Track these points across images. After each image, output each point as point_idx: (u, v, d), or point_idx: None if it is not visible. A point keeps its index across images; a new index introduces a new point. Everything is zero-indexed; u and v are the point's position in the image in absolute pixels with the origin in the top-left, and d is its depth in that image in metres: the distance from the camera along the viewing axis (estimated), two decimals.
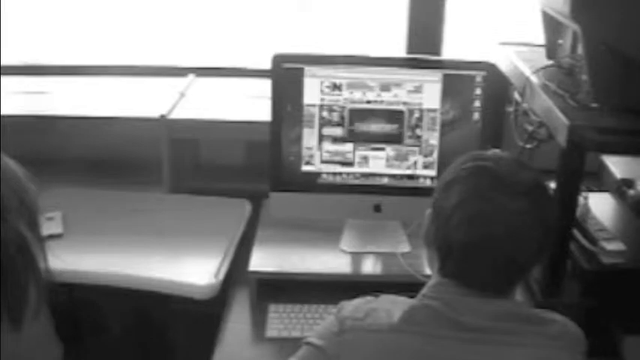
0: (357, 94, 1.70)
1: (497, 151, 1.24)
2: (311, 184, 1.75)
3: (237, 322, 1.61)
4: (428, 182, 1.74)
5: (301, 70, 1.68)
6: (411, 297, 1.18)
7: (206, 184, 2.08)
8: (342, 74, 1.69)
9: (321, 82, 1.69)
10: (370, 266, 1.74)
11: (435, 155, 1.73)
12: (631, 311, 1.53)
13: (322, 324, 1.23)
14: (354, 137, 1.72)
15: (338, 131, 1.72)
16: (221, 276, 1.69)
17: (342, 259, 1.74)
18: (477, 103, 1.70)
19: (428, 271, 1.27)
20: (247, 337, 1.57)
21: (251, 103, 2.08)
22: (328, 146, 1.73)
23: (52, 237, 1.76)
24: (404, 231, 1.81)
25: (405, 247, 1.77)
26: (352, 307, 1.18)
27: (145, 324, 1.94)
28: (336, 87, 1.69)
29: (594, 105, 1.45)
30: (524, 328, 1.13)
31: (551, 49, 1.73)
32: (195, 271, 1.69)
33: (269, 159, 1.73)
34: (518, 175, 1.14)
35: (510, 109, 1.79)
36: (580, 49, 1.50)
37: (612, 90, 1.44)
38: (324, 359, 1.15)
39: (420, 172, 1.74)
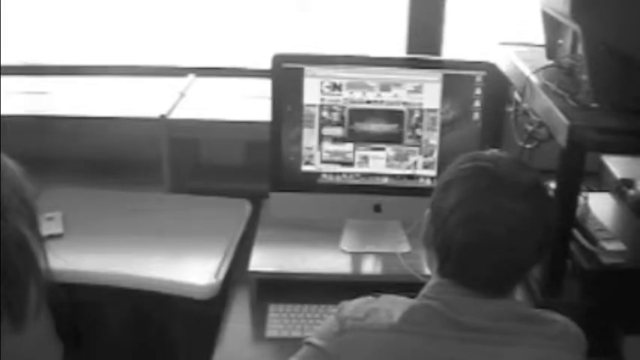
0: (357, 94, 1.70)
1: (495, 151, 1.24)
2: (311, 184, 1.75)
3: (237, 322, 1.61)
4: (428, 182, 1.74)
5: (301, 70, 1.68)
6: (411, 297, 1.18)
7: (206, 184, 2.08)
8: (342, 74, 1.69)
9: (321, 82, 1.69)
10: (370, 266, 1.74)
11: (435, 155, 1.73)
12: (631, 311, 1.53)
13: (323, 324, 1.23)
14: (354, 137, 1.72)
15: (338, 131, 1.72)
16: (221, 276, 1.69)
17: (342, 259, 1.74)
18: (477, 103, 1.70)
19: (428, 271, 1.27)
20: (247, 337, 1.57)
21: (251, 103, 2.08)
22: (328, 146, 1.73)
23: (52, 237, 1.76)
24: (404, 231, 1.81)
25: (405, 247, 1.77)
26: (352, 307, 1.18)
27: (145, 324, 1.94)
28: (336, 87, 1.69)
29: (594, 105, 1.45)
30: (524, 328, 1.13)
31: (551, 49, 1.73)
32: (195, 271, 1.69)
33: (269, 159, 1.73)
34: (517, 176, 1.14)
35: (510, 109, 1.79)
36: (580, 49, 1.50)
37: (612, 90, 1.44)
38: (325, 359, 1.15)
39: (420, 172, 1.74)
